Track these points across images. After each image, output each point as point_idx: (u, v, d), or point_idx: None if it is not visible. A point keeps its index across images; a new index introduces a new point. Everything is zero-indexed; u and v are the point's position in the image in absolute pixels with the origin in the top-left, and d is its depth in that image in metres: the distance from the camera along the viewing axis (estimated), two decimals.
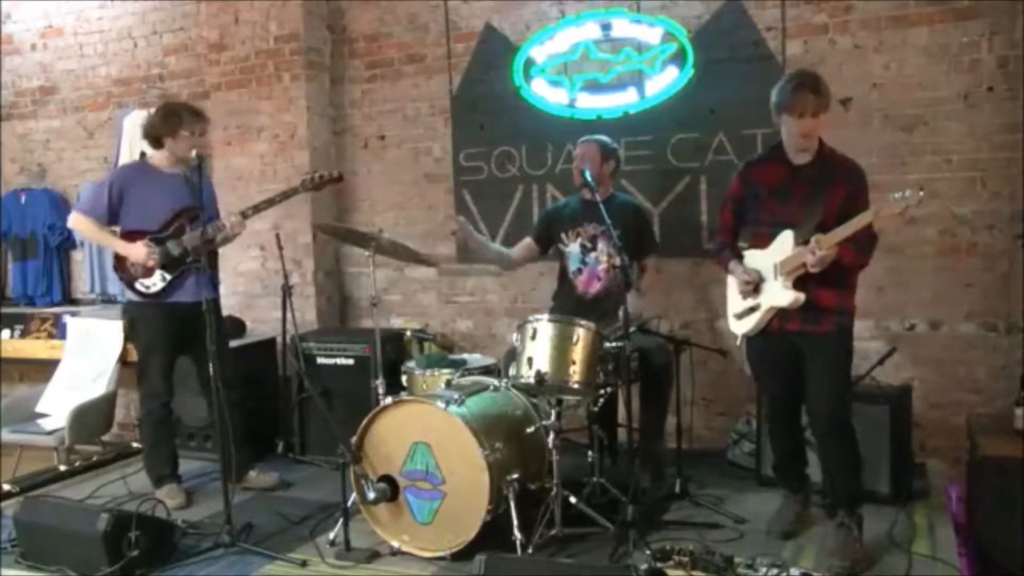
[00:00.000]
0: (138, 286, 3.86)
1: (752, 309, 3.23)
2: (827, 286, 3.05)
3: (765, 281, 3.18)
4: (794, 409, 3.35)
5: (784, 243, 3.10)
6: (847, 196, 3.04)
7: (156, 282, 3.84)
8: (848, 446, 3.16)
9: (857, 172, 3.12)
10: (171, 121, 3.83)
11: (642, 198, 4.57)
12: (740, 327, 3.32)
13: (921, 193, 2.74)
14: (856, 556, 3.03)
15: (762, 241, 3.22)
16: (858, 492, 3.22)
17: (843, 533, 3.09)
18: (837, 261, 2.95)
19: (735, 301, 3.34)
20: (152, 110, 4.09)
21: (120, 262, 3.89)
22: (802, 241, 3.03)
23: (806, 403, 3.25)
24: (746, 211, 3.31)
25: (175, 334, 3.90)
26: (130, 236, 3.84)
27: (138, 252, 3.79)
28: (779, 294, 3.10)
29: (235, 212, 3.91)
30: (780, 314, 3.15)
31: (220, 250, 4.17)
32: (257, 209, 3.93)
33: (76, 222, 3.96)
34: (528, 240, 4.25)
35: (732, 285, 3.36)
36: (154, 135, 3.89)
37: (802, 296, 3.04)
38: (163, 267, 3.83)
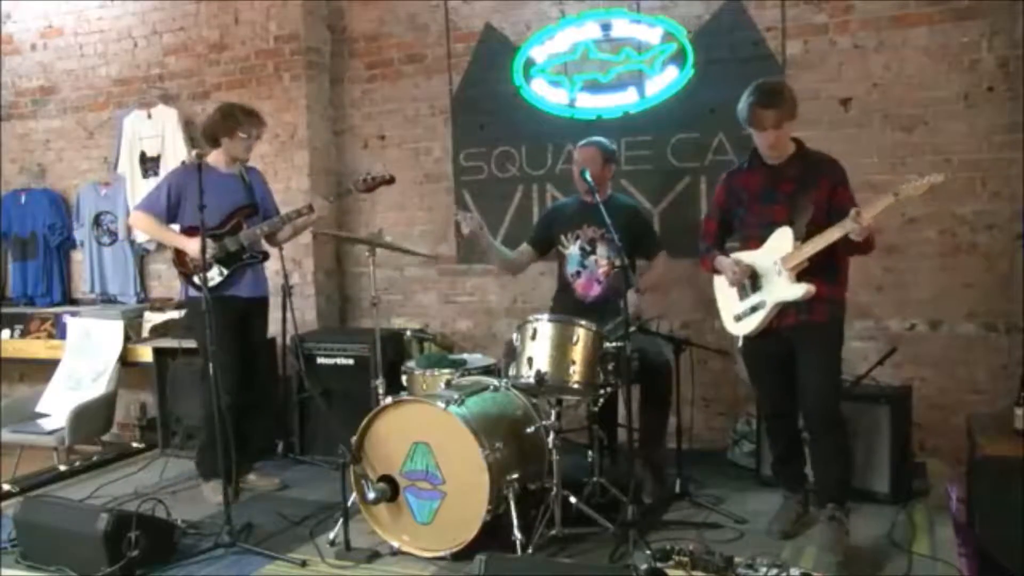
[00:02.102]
0: (196, 280, 3.92)
1: (755, 308, 3.23)
2: (820, 278, 3.08)
3: (764, 278, 3.19)
4: (790, 407, 3.36)
5: (782, 239, 3.12)
6: (832, 188, 3.13)
7: (213, 276, 3.91)
8: (838, 437, 3.19)
9: (837, 165, 3.21)
10: (228, 122, 3.94)
11: (642, 198, 4.58)
12: (741, 328, 3.31)
13: (942, 177, 2.85)
14: (847, 547, 3.07)
15: (752, 243, 3.26)
16: (847, 484, 3.26)
17: (834, 526, 3.12)
18: (833, 252, 3.03)
19: (732, 303, 3.33)
20: (211, 110, 4.23)
21: (179, 257, 4.00)
22: (800, 237, 3.06)
23: (798, 395, 3.26)
24: (732, 218, 3.37)
25: (235, 327, 3.96)
26: (189, 233, 3.94)
27: (195, 247, 3.83)
28: (787, 288, 3.10)
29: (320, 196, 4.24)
30: (778, 312, 3.17)
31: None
32: (339, 196, 4.32)
33: (136, 219, 4.15)
34: (526, 246, 4.23)
35: (722, 288, 3.37)
36: (212, 135, 3.99)
37: (812, 288, 3.05)
38: (220, 262, 3.93)
